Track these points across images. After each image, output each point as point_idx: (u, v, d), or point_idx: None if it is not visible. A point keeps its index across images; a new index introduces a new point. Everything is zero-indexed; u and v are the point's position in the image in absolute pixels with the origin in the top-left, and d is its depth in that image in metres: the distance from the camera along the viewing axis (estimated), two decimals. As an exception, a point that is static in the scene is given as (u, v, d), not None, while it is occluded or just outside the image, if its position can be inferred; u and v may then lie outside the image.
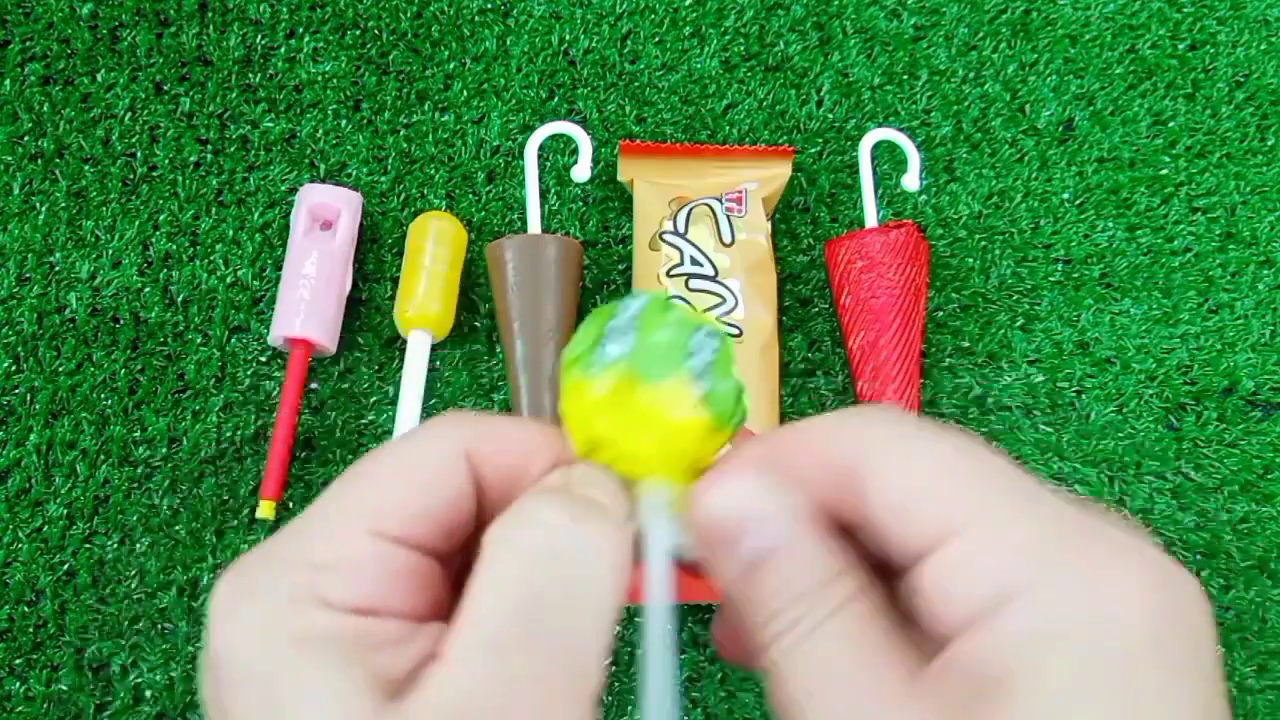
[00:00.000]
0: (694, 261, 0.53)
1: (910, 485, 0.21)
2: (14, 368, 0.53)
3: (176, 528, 0.51)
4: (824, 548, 0.22)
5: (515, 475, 0.24)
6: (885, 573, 0.23)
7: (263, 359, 0.53)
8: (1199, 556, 0.53)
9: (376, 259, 0.55)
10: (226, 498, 0.51)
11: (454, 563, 0.24)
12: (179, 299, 0.54)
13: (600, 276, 0.56)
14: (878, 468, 0.21)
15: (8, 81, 0.56)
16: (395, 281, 0.54)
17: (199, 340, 0.53)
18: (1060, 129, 0.58)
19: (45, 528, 0.51)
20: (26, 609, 0.50)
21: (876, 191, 0.56)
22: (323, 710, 0.20)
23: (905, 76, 0.59)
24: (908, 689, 0.20)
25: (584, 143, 0.55)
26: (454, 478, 0.24)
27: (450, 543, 0.24)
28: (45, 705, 0.49)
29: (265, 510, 0.50)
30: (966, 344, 0.55)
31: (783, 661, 0.21)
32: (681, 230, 0.54)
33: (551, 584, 0.21)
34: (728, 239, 0.53)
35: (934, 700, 0.19)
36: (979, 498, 0.20)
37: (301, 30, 0.58)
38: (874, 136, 0.56)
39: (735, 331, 0.52)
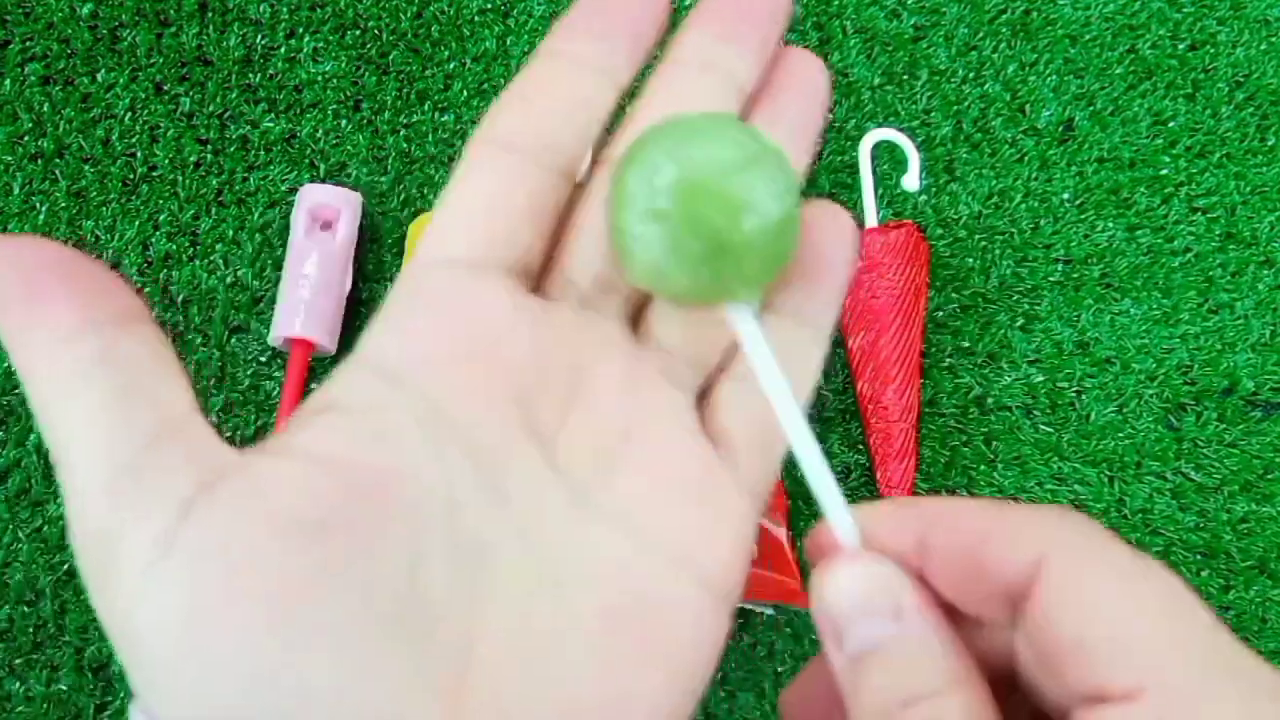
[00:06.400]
0: (694, 261, 0.53)
1: (1101, 622, 0.18)
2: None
3: (176, 528, 0.51)
4: (943, 648, 0.20)
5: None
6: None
7: (263, 359, 0.53)
8: (1199, 556, 0.53)
9: (376, 259, 0.55)
10: (226, 498, 0.51)
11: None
12: (179, 299, 0.54)
13: (600, 276, 0.56)
14: (1063, 592, 0.19)
15: (8, 81, 0.56)
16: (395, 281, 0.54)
17: (199, 340, 0.53)
18: (1060, 129, 0.58)
19: (45, 528, 0.51)
20: (26, 609, 0.50)
21: (876, 191, 0.56)
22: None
23: (905, 76, 0.59)
24: None
25: (584, 143, 0.54)
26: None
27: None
28: (45, 705, 0.49)
29: (265, 510, 0.50)
30: (966, 344, 0.55)
31: None
32: (681, 230, 0.54)
33: None
34: (728, 239, 0.53)
35: None
36: (1176, 656, 0.18)
37: (301, 30, 0.58)
38: (874, 136, 0.56)
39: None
